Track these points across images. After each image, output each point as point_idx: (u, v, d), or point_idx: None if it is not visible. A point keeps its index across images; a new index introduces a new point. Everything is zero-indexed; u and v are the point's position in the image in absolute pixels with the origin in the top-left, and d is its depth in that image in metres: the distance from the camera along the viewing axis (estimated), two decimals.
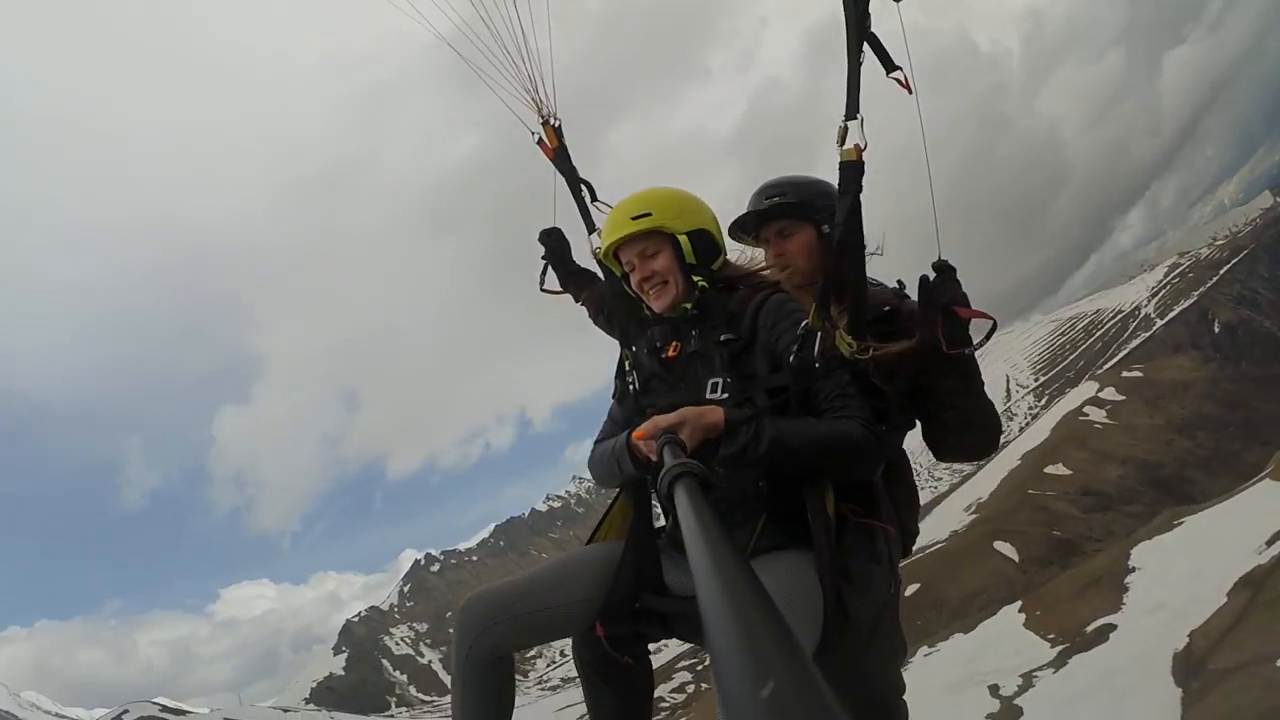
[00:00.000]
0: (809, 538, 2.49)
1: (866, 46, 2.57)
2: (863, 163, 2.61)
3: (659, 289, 2.84)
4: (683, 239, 2.80)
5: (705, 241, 2.86)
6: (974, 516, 36.92)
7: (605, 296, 3.65)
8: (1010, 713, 7.64)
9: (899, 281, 3.18)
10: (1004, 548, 32.17)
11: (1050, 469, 39.98)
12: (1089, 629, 8.87)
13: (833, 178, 2.75)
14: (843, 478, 2.65)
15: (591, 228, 3.56)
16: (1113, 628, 8.55)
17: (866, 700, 2.89)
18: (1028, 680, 8.28)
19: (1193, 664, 6.51)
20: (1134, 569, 10.05)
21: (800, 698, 0.60)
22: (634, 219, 2.81)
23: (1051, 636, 9.45)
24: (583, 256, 3.99)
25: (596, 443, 3.02)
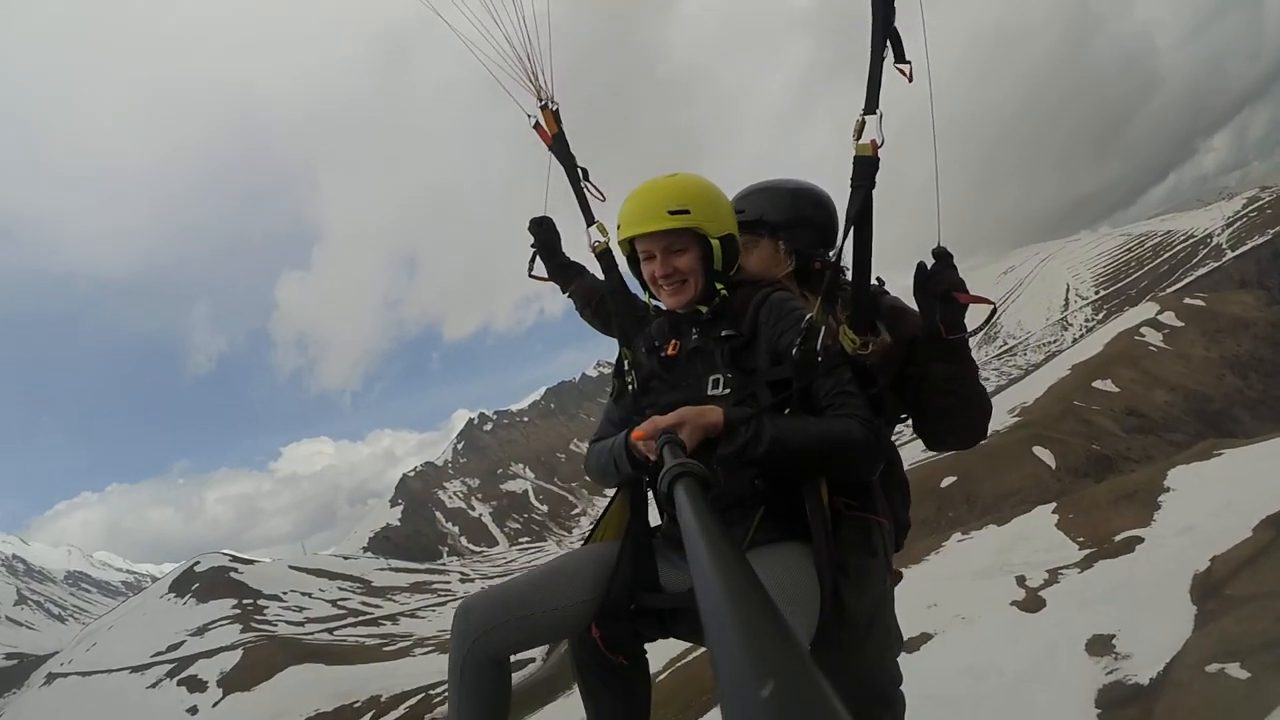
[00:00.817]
0: (806, 532, 2.48)
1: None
2: (878, 159, 2.53)
3: (676, 287, 2.74)
4: (715, 244, 2.71)
5: (732, 248, 2.79)
6: (1017, 419, 36.52)
7: (596, 290, 3.64)
8: (1035, 602, 7.95)
9: (878, 278, 3.03)
10: (1042, 453, 31.85)
11: (1098, 384, 39.25)
12: (1117, 538, 9.09)
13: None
14: (842, 477, 2.63)
15: (590, 220, 3.34)
16: (1140, 540, 8.77)
17: (865, 692, 2.90)
18: (1054, 576, 8.57)
19: (1211, 586, 6.73)
20: (1168, 489, 10.17)
21: (801, 697, 0.62)
22: (672, 213, 2.65)
23: (1081, 539, 9.67)
24: (575, 247, 3.88)
25: (593, 442, 2.93)
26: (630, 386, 2.89)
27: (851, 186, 2.56)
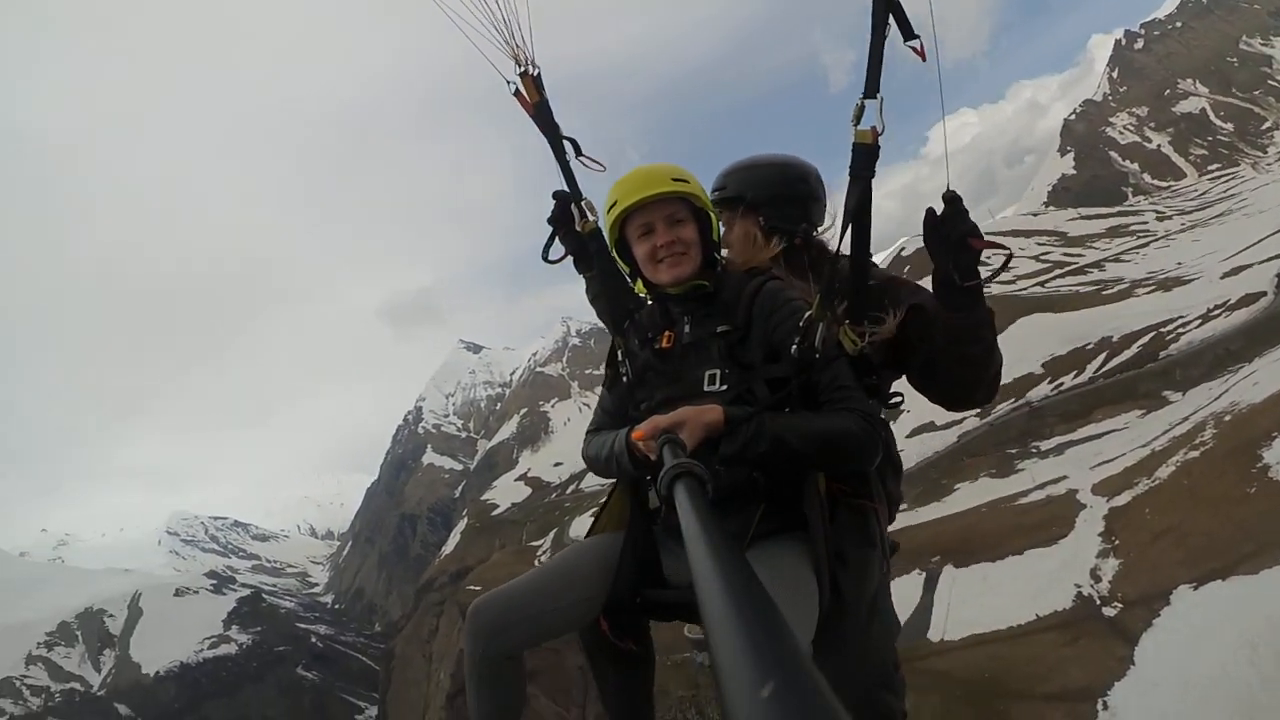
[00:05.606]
0: (804, 522, 2.35)
1: (891, 18, 2.23)
2: (878, 147, 2.28)
3: (677, 258, 2.54)
4: (713, 216, 2.58)
5: (715, 227, 2.64)
6: None
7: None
8: None
9: None
10: None
11: None
12: None
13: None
14: (843, 470, 2.48)
15: (578, 196, 3.06)
16: None
17: (869, 679, 2.78)
18: None
19: None
20: None
21: (800, 698, 0.60)
22: (675, 180, 2.50)
23: None
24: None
25: (590, 432, 2.78)
26: (625, 378, 2.72)
27: (850, 177, 2.33)
